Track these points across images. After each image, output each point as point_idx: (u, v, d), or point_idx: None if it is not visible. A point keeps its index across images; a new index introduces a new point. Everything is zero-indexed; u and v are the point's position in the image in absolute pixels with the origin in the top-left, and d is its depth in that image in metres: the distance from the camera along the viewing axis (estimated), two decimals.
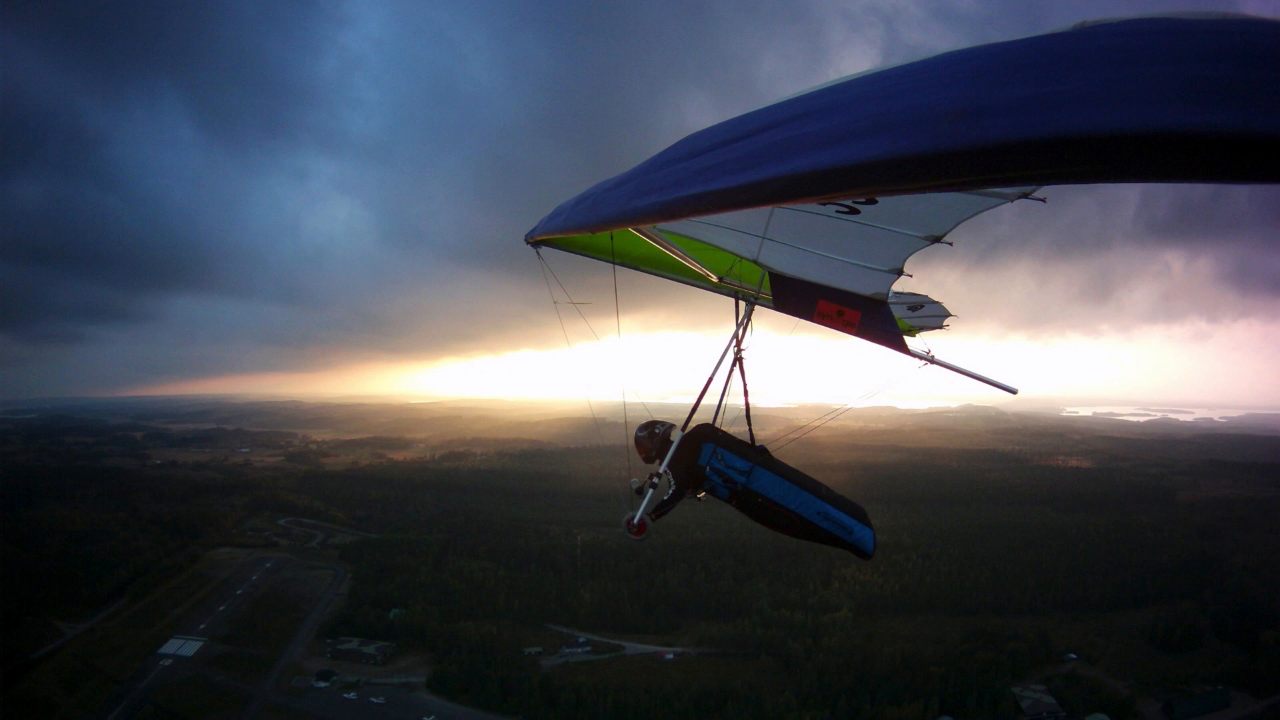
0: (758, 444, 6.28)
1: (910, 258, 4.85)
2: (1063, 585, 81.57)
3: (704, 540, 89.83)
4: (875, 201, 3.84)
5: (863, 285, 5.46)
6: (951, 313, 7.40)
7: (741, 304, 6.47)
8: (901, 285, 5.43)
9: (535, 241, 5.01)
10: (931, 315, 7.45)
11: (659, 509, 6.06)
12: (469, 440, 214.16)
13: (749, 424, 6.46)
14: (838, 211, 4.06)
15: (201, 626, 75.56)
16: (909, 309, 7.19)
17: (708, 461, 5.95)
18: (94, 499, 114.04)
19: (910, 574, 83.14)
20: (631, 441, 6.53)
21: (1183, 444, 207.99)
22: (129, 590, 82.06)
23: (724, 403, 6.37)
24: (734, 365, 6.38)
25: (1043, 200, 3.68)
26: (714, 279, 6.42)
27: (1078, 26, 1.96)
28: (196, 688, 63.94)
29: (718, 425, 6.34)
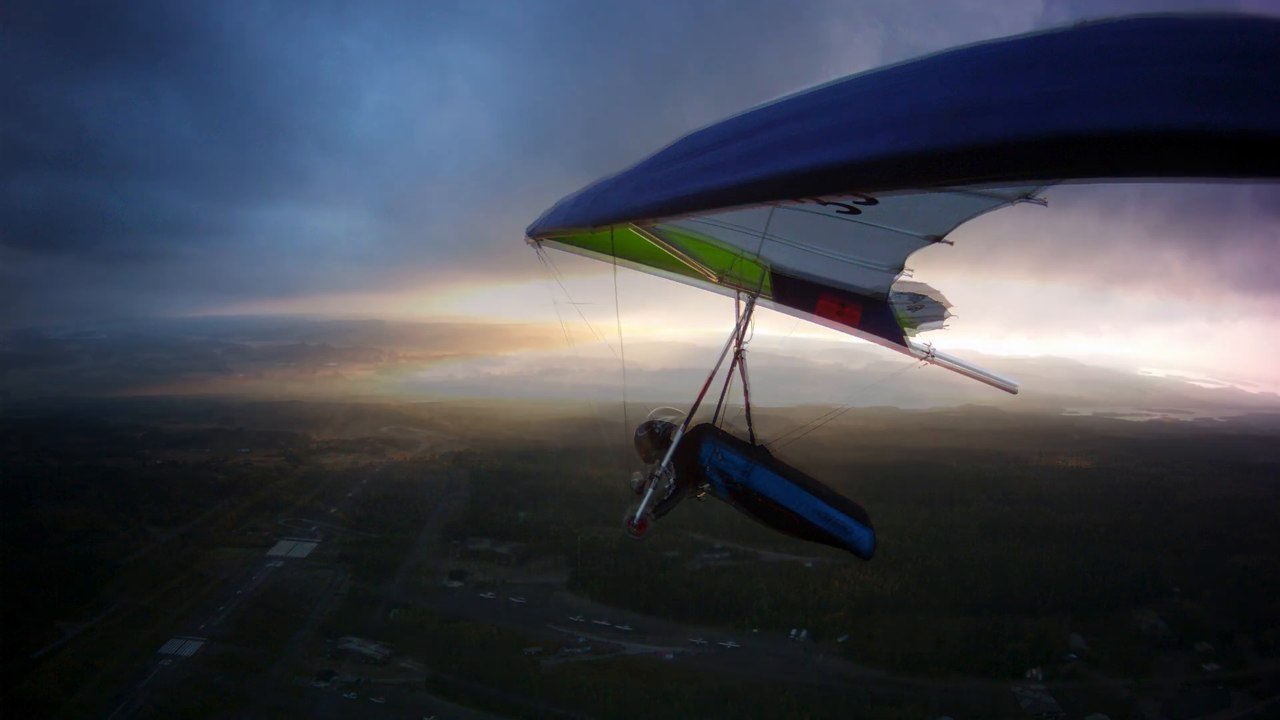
0: (758, 443, 6.27)
1: (911, 255, 4.86)
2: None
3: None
4: (876, 202, 3.84)
5: (864, 282, 5.48)
6: (950, 306, 7.41)
7: (742, 301, 6.44)
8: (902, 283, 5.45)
9: (536, 237, 5.02)
10: (932, 312, 7.46)
11: (660, 508, 6.05)
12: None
13: (749, 423, 6.46)
14: (838, 212, 4.07)
15: (314, 529, 76.47)
16: (909, 305, 7.20)
17: (708, 460, 5.95)
18: (180, 408, 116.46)
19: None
20: (632, 440, 6.53)
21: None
22: (228, 494, 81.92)
23: (724, 401, 6.37)
24: (735, 363, 6.37)
25: (1043, 202, 3.68)
26: (714, 276, 6.42)
27: (1078, 25, 1.96)
28: (314, 588, 67.00)
29: (718, 424, 6.34)
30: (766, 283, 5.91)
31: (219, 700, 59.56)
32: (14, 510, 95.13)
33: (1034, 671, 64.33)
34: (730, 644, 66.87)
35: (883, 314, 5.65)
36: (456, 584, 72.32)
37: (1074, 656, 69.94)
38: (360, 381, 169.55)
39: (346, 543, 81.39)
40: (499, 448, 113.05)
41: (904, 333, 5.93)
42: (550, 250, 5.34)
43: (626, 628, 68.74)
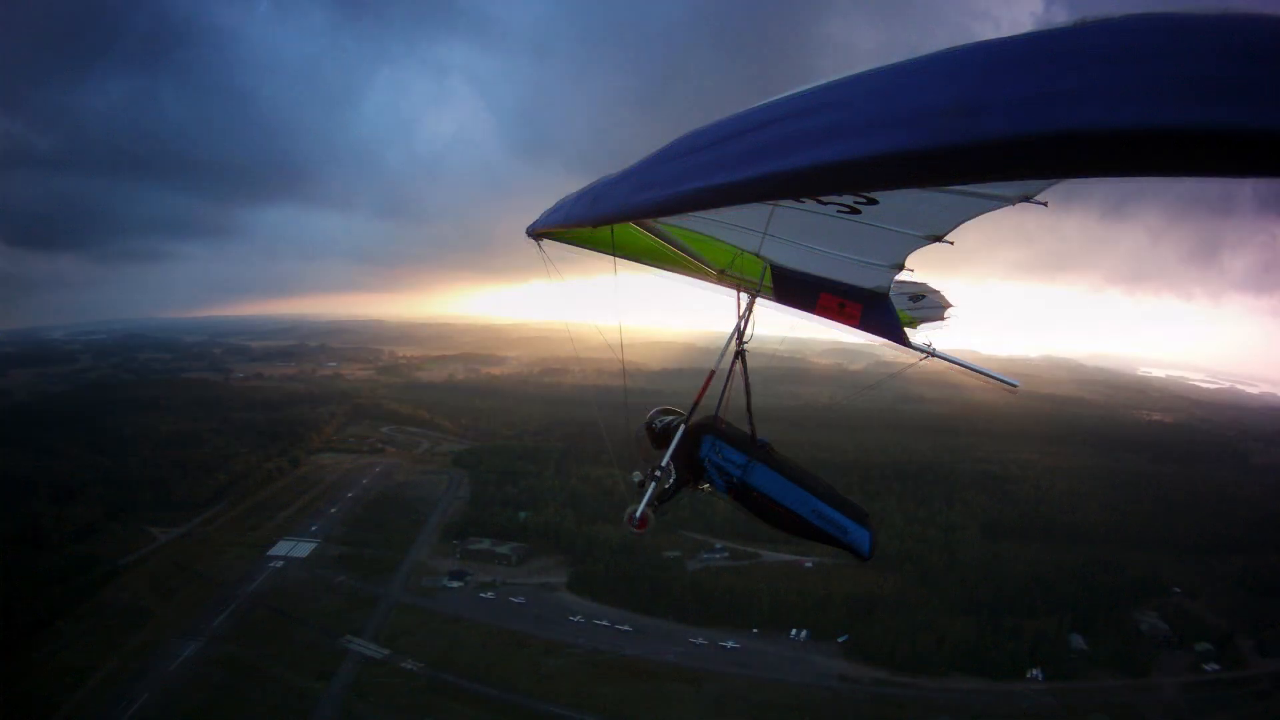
0: (759, 440, 6.27)
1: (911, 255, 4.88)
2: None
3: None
4: (876, 202, 3.86)
5: (864, 280, 5.51)
6: (950, 305, 7.46)
7: (743, 297, 6.46)
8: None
9: (537, 235, 5.05)
10: (933, 307, 7.49)
11: (659, 499, 6.07)
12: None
13: (749, 418, 6.43)
14: (839, 211, 4.08)
15: (314, 528, 75.95)
16: (910, 301, 7.22)
17: (707, 456, 5.96)
18: (180, 408, 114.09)
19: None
20: (634, 438, 6.55)
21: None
22: (228, 495, 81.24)
23: (726, 398, 6.37)
24: (736, 359, 6.36)
25: (1043, 204, 3.68)
26: (715, 274, 6.45)
27: (1078, 23, 1.96)
28: (314, 588, 66.04)
29: (720, 418, 6.34)
30: (767, 280, 5.94)
31: (219, 700, 59.66)
32: (14, 510, 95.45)
33: (1034, 671, 64.46)
34: (730, 644, 67.01)
35: (883, 311, 5.68)
36: (456, 584, 72.39)
37: (1178, 590, 76.01)
38: (360, 381, 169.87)
39: (346, 542, 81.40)
40: (499, 448, 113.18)
41: (904, 330, 5.94)
42: (551, 249, 5.36)
43: (626, 628, 68.82)
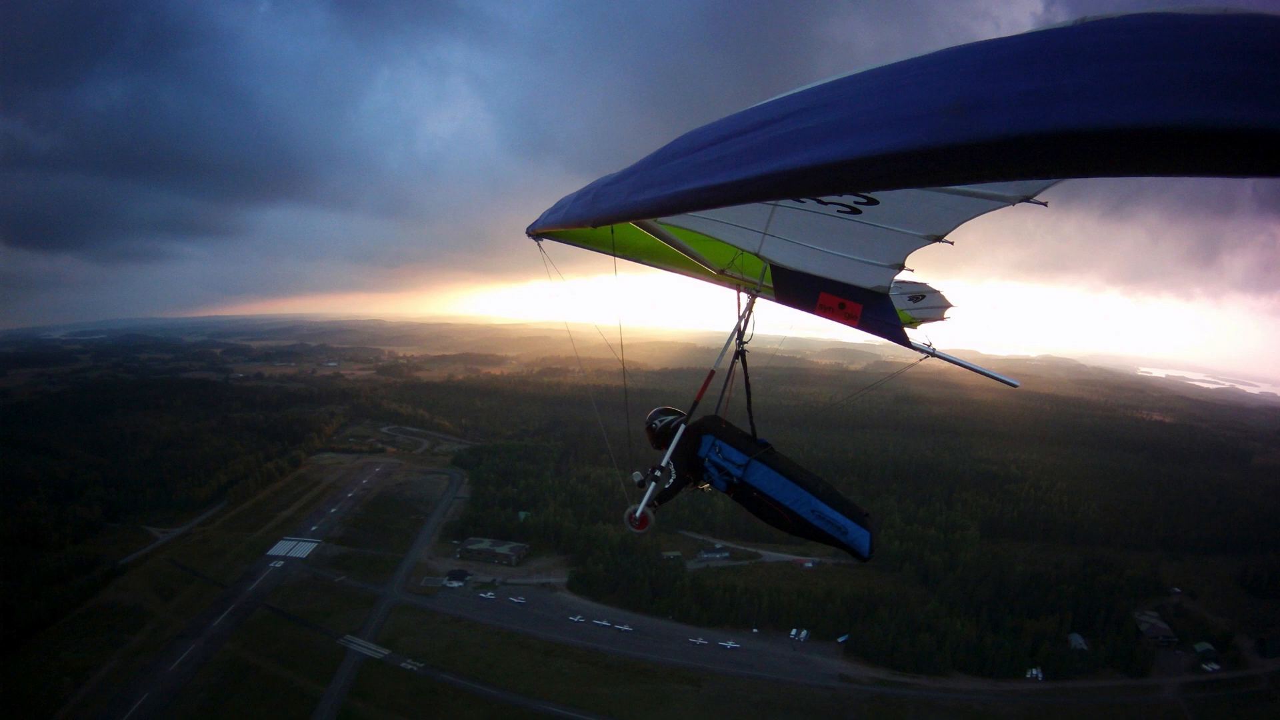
0: (760, 440, 6.25)
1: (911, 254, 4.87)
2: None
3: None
4: (877, 202, 3.85)
5: (864, 279, 5.50)
6: (951, 304, 7.45)
7: (743, 296, 6.43)
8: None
9: (537, 234, 5.04)
10: (933, 306, 7.47)
11: (659, 497, 6.06)
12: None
13: (750, 419, 6.41)
14: (839, 211, 4.07)
15: (314, 528, 76.20)
16: (910, 300, 7.20)
17: (707, 454, 5.95)
18: (180, 408, 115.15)
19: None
20: (644, 430, 6.55)
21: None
22: (228, 495, 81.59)
23: (727, 397, 6.35)
24: (736, 358, 6.34)
25: (1044, 203, 3.67)
26: (715, 272, 6.44)
27: (1079, 21, 1.96)
28: (314, 588, 66.77)
29: (720, 418, 6.32)
30: (767, 278, 5.94)
31: (219, 700, 59.69)
32: (14, 510, 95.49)
33: (1034, 671, 64.62)
34: (730, 644, 67.04)
35: (883, 311, 5.67)
36: (456, 584, 72.45)
37: (1178, 591, 76.73)
38: (360, 381, 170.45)
39: (346, 542, 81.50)
40: (499, 447, 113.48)
41: (904, 330, 5.93)
42: (551, 249, 5.35)
43: (626, 628, 68.87)
